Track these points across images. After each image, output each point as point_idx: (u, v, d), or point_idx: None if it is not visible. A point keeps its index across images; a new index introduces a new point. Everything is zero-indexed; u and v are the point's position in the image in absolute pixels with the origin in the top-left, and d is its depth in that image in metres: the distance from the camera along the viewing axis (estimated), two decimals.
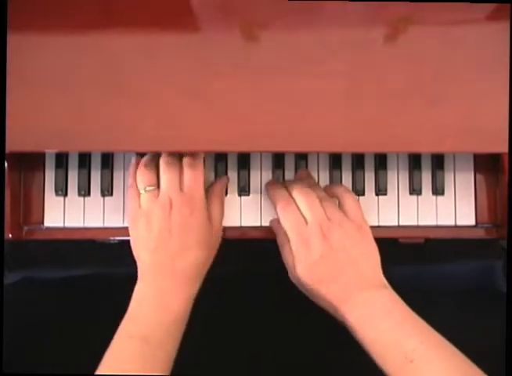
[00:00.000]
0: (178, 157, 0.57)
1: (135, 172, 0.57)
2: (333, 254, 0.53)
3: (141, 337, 0.49)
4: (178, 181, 0.55)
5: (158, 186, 0.55)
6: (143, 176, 0.56)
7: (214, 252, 0.56)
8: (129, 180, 0.57)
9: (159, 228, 0.53)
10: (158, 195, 0.55)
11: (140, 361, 0.48)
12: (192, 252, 0.54)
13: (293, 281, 0.55)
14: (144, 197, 0.55)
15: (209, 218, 0.56)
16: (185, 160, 0.56)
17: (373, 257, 0.54)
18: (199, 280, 0.55)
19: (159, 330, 0.50)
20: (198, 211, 0.55)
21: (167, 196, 0.54)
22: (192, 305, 0.53)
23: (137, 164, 0.57)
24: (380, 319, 0.50)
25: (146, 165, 0.56)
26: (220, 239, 0.57)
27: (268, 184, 0.59)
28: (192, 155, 0.57)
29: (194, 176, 0.55)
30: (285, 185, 0.58)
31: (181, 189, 0.55)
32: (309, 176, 0.59)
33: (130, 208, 0.56)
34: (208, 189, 0.58)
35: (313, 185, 0.58)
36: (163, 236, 0.53)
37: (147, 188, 0.55)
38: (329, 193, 0.57)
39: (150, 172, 0.56)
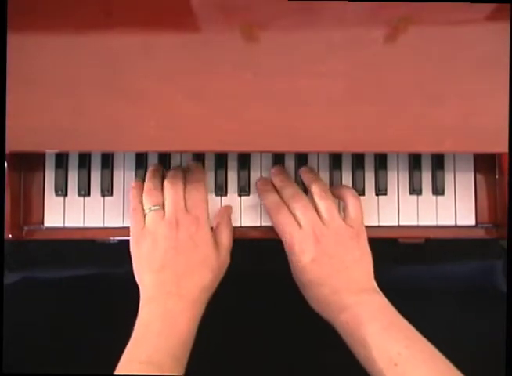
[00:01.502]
0: (182, 177, 0.57)
1: (137, 196, 0.57)
2: (325, 260, 0.53)
3: (151, 362, 0.48)
4: (183, 201, 0.55)
5: (163, 206, 0.55)
6: (149, 197, 0.56)
7: (219, 276, 0.56)
8: (132, 203, 0.57)
9: (165, 247, 0.53)
10: (163, 215, 0.55)
11: None
12: (198, 272, 0.53)
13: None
14: (149, 216, 0.55)
15: (216, 243, 0.56)
16: (189, 182, 0.57)
17: (365, 263, 0.55)
18: (203, 304, 0.54)
19: (167, 356, 0.49)
20: (203, 231, 0.55)
21: (173, 215, 0.54)
22: (197, 327, 0.52)
23: (137, 187, 0.57)
24: (368, 321, 0.51)
25: (151, 186, 0.56)
26: (227, 264, 0.57)
27: (259, 187, 0.59)
28: (195, 176, 0.57)
29: (198, 197, 0.56)
30: (274, 187, 0.58)
31: (186, 209, 0.55)
32: (312, 172, 0.59)
33: (133, 230, 0.55)
34: (215, 216, 0.58)
35: (316, 179, 0.58)
36: (169, 254, 0.53)
37: (152, 208, 0.55)
38: (336, 193, 0.58)
39: (156, 192, 0.56)
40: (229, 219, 0.58)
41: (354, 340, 0.51)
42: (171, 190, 0.56)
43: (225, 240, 0.57)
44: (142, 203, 0.56)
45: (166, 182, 0.56)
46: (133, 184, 0.58)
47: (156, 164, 0.59)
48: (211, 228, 0.57)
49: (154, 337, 0.50)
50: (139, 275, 0.54)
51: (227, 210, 0.59)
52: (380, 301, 0.53)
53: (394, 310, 0.52)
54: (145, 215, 0.55)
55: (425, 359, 0.48)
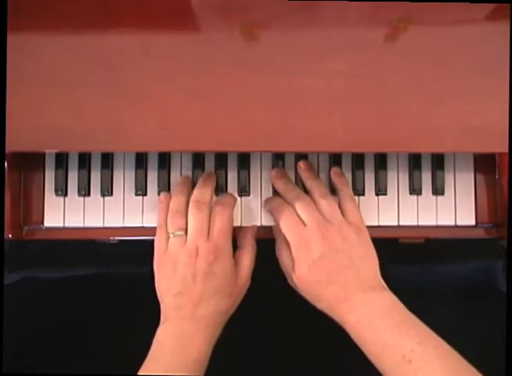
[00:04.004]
0: (208, 202, 0.57)
1: (164, 212, 0.57)
2: (331, 255, 0.53)
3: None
4: (206, 228, 0.55)
5: (187, 231, 0.55)
6: (174, 220, 0.56)
7: (238, 300, 0.56)
8: (158, 220, 0.57)
9: (183, 273, 0.54)
10: (185, 241, 0.55)
11: None
12: (215, 300, 0.54)
13: (292, 285, 0.56)
14: (172, 241, 0.55)
15: (237, 266, 0.56)
16: (215, 208, 0.56)
17: (371, 259, 0.55)
18: (221, 326, 0.55)
19: (183, 369, 0.50)
20: (223, 259, 0.54)
21: (193, 243, 0.54)
22: (212, 348, 0.54)
23: (165, 200, 0.57)
24: (379, 320, 0.51)
25: (176, 208, 0.56)
26: (246, 287, 0.57)
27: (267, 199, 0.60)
28: (224, 199, 0.57)
29: (222, 225, 0.55)
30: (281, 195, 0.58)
31: (208, 235, 0.55)
32: (310, 170, 0.59)
33: (157, 250, 0.56)
34: (239, 237, 0.58)
35: (315, 178, 0.58)
36: (187, 281, 0.53)
37: (176, 233, 0.55)
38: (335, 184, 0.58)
39: (181, 217, 0.56)
40: (253, 241, 0.58)
41: (365, 339, 0.51)
42: (195, 217, 0.55)
43: (247, 263, 0.56)
44: (167, 221, 0.56)
45: (191, 207, 0.56)
46: (161, 197, 0.58)
47: (185, 177, 0.59)
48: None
49: (168, 355, 0.51)
50: (160, 294, 0.55)
51: (251, 231, 0.59)
52: (390, 298, 0.53)
53: (403, 307, 0.52)
54: (168, 238, 0.55)
55: (439, 355, 0.48)
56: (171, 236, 0.55)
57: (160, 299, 0.55)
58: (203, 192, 0.57)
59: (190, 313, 0.53)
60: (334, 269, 0.53)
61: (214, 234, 0.55)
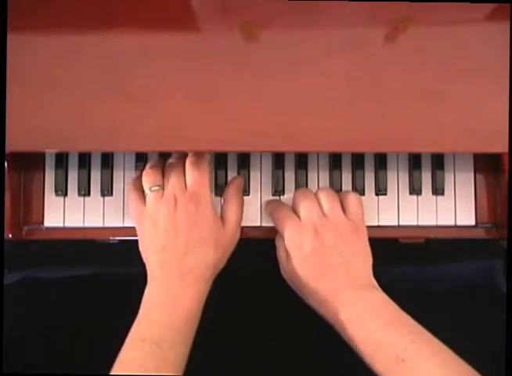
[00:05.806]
0: (182, 158, 0.57)
1: (138, 179, 0.57)
2: (323, 251, 0.53)
3: (152, 340, 0.49)
4: (182, 180, 0.55)
5: (163, 187, 0.55)
6: (149, 176, 0.56)
7: (226, 253, 0.56)
8: (132, 185, 0.57)
9: (165, 226, 0.53)
10: (163, 195, 0.55)
11: (151, 365, 0.48)
12: (200, 250, 0.53)
13: (285, 277, 0.56)
14: (149, 196, 0.55)
15: (223, 217, 0.56)
16: (189, 160, 0.56)
17: (365, 258, 0.55)
18: (209, 280, 0.54)
19: (170, 332, 0.50)
20: (204, 208, 0.54)
21: (171, 194, 0.54)
22: (203, 304, 0.53)
23: (138, 175, 0.58)
24: (371, 318, 0.50)
25: (151, 166, 0.57)
26: (235, 240, 0.56)
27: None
28: (197, 155, 0.57)
29: (198, 175, 0.55)
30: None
31: (186, 187, 0.55)
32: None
33: (134, 211, 0.56)
34: (225, 191, 0.58)
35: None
36: (169, 234, 0.53)
37: (152, 188, 0.55)
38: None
39: (156, 173, 0.56)
40: (238, 192, 0.58)
41: (356, 338, 0.50)
42: (171, 170, 0.56)
43: (232, 215, 0.56)
44: (141, 185, 0.56)
45: (167, 164, 0.57)
46: (135, 174, 0.59)
47: (157, 158, 0.60)
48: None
49: (156, 314, 0.51)
50: (144, 254, 0.55)
51: (235, 182, 0.58)
52: (381, 297, 0.52)
53: (395, 306, 0.52)
54: (145, 196, 0.55)
55: (432, 352, 0.48)
56: (148, 191, 0.55)
57: (144, 259, 0.55)
58: (176, 158, 0.57)
59: (176, 268, 0.52)
60: (325, 265, 0.53)
61: (192, 184, 0.55)
